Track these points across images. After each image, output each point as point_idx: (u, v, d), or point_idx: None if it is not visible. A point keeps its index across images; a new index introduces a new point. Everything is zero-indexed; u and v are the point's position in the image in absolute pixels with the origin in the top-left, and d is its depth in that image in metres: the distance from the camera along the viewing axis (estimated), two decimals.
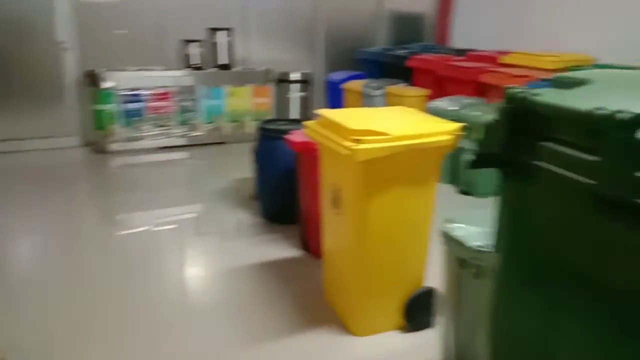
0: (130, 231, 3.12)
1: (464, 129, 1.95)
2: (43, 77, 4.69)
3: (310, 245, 2.73)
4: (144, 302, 2.32)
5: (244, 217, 3.27)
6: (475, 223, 1.62)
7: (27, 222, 3.21)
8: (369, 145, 1.76)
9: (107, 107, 4.61)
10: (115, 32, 4.93)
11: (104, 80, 4.55)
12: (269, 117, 5.03)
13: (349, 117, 1.99)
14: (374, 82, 5.06)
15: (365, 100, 5.02)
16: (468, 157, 2.75)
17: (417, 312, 2.11)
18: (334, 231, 2.20)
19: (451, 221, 1.67)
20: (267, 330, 2.11)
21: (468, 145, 2.26)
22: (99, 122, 4.65)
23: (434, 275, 1.95)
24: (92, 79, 4.63)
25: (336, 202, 2.08)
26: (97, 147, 4.74)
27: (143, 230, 3.11)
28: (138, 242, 2.97)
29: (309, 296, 2.36)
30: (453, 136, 1.92)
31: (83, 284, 2.47)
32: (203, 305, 2.33)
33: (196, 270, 2.73)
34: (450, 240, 1.64)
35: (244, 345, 2.02)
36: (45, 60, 4.68)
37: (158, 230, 3.10)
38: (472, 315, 1.63)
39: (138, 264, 2.70)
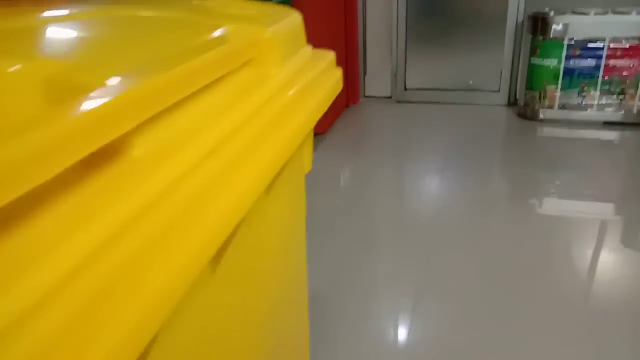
0: (541, 216, 2.46)
1: None
2: (487, 20, 3.99)
3: None
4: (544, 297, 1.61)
5: None
6: None
7: (435, 176, 2.86)
8: None
9: (549, 61, 3.60)
10: None
11: (552, 26, 3.55)
12: None
13: None
14: None
15: None
16: None
17: None
18: None
19: None
20: None
21: None
22: (534, 80, 3.73)
23: None
24: (536, 24, 3.67)
25: None
26: (524, 110, 3.86)
27: (556, 219, 2.40)
28: (546, 230, 2.31)
29: None
30: None
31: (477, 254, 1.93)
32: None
33: (610, 287, 1.76)
34: None
35: None
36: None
37: (573, 224, 2.34)
38: None
39: (542, 253, 2.13)
